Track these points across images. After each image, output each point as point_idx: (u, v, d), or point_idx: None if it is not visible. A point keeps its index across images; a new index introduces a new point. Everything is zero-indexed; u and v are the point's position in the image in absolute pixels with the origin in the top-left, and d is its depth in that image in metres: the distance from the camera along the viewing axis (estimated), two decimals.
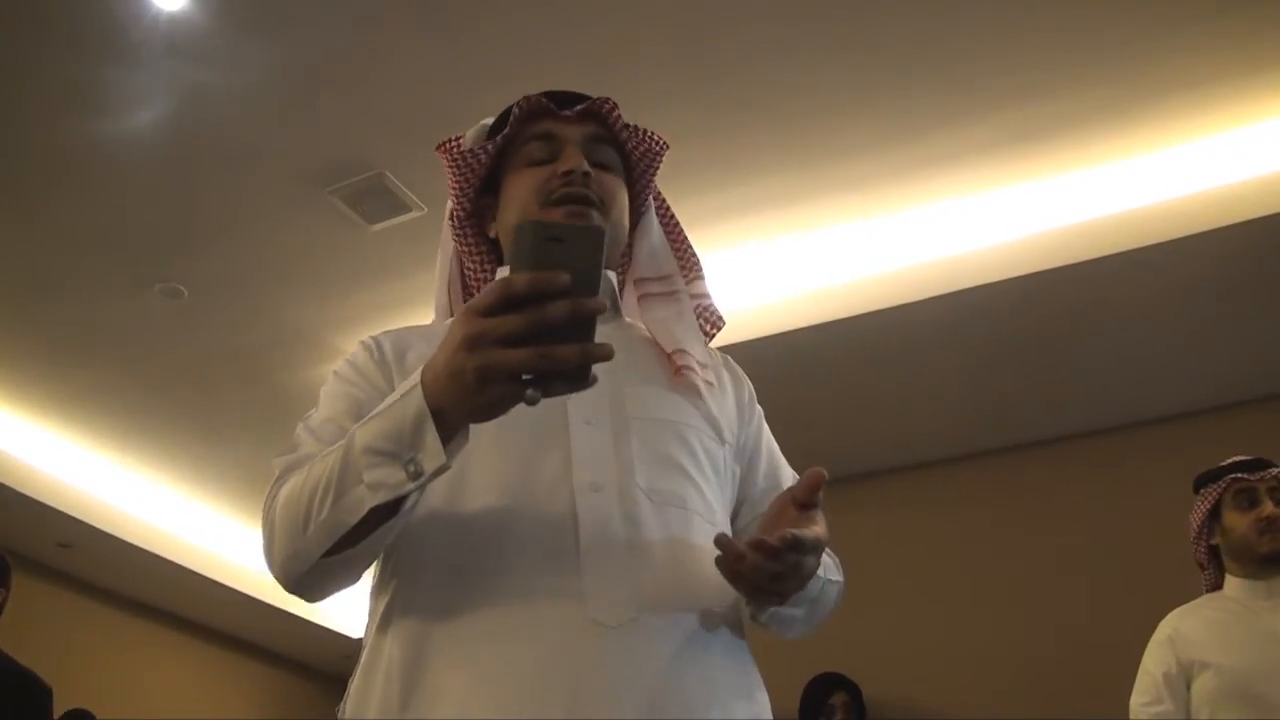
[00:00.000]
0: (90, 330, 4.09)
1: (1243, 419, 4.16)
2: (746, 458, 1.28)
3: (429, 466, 0.92)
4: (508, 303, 0.86)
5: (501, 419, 0.92)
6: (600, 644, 0.98)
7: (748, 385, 1.35)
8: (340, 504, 0.97)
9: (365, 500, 0.95)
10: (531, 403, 0.87)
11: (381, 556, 1.09)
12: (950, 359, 3.87)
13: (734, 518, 1.24)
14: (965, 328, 3.73)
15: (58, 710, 4.13)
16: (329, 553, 1.00)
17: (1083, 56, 3.00)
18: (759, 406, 1.35)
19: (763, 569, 0.96)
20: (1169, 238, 3.39)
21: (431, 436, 0.92)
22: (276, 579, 1.06)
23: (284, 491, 1.05)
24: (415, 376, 0.94)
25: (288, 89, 3.05)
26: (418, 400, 0.92)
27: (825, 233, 3.65)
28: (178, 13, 2.77)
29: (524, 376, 0.87)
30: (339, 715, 1.06)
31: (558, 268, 0.85)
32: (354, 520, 0.96)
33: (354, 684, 1.06)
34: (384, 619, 1.06)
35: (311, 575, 1.03)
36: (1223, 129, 3.27)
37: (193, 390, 4.47)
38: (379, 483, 0.94)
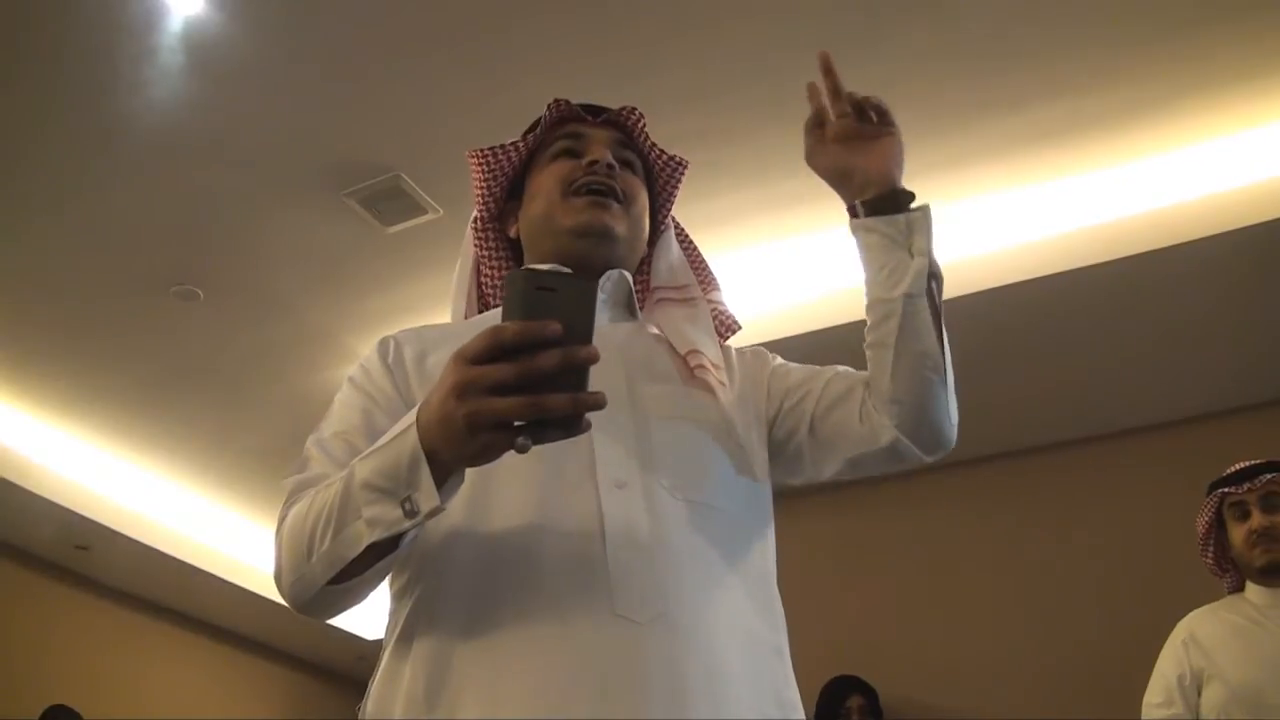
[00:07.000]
0: (106, 332, 4.11)
1: (1263, 420, 4.13)
2: (782, 400, 1.29)
3: (424, 506, 0.93)
4: (497, 351, 0.85)
5: None
6: (628, 640, 0.98)
7: (765, 357, 1.36)
8: (340, 537, 0.98)
9: (364, 536, 0.96)
10: (522, 450, 0.86)
11: (405, 557, 1.09)
12: (968, 360, 3.85)
13: (777, 428, 1.27)
14: (981, 330, 3.71)
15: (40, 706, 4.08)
16: (333, 581, 1.01)
17: (1100, 56, 2.98)
18: (779, 360, 1.36)
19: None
20: (1191, 238, 3.36)
21: (426, 478, 0.92)
22: (285, 601, 1.08)
23: (290, 516, 1.06)
24: (411, 415, 0.94)
25: (304, 91, 3.05)
26: (412, 440, 0.93)
27: (836, 234, 3.62)
28: (194, 16, 2.78)
29: (516, 423, 0.86)
30: (359, 715, 1.06)
31: (550, 317, 0.84)
32: (353, 554, 0.98)
33: (376, 683, 1.06)
34: (410, 618, 1.06)
35: (317, 600, 1.05)
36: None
37: (209, 392, 4.48)
38: (376, 519, 0.95)
